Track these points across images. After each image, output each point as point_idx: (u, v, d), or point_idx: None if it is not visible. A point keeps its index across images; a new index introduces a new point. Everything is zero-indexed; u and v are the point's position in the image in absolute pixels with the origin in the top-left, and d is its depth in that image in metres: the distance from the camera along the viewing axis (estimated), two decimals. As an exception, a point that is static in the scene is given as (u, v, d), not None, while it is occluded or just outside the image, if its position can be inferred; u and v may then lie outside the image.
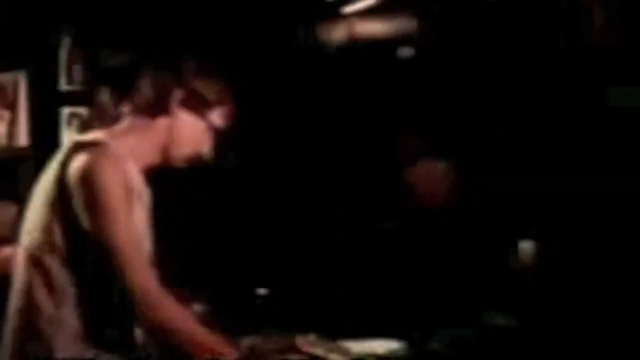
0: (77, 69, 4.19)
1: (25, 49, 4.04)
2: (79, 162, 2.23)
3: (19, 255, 2.38)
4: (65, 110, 4.19)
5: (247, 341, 2.74)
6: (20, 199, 3.94)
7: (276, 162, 3.91)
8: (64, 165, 2.26)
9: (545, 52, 3.19)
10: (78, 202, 2.21)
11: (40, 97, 4.13)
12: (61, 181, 2.25)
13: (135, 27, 3.91)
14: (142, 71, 2.41)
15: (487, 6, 3.40)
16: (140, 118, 2.38)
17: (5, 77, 4.07)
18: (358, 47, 3.88)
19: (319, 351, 2.73)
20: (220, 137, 2.45)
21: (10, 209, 3.96)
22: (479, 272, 3.30)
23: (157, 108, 2.36)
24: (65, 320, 2.26)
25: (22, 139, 4.08)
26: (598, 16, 3.08)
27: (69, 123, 4.18)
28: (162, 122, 2.37)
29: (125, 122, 2.41)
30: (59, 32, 4.11)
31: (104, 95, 4.10)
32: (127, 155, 2.32)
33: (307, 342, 2.79)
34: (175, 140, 2.38)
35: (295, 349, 2.74)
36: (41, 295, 2.26)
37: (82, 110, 4.20)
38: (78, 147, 2.28)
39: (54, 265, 2.26)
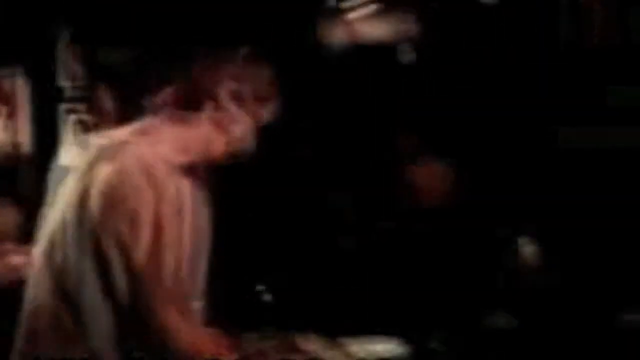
0: (76, 66, 4.18)
1: (23, 47, 4.03)
2: (104, 171, 2.08)
3: (33, 262, 2.31)
4: (64, 108, 4.18)
5: (247, 342, 2.74)
6: (19, 198, 3.95)
7: (276, 161, 3.91)
8: (89, 173, 2.12)
9: (545, 52, 3.18)
10: (103, 216, 2.07)
11: (38, 95, 4.12)
12: (86, 192, 2.10)
13: (134, 26, 3.90)
14: (180, 63, 2.25)
15: (487, 7, 3.40)
16: (180, 110, 2.20)
17: (4, 75, 4.05)
18: (358, 48, 3.88)
19: (319, 351, 2.74)
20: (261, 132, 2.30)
21: (9, 208, 3.95)
22: (479, 272, 3.31)
23: (204, 100, 2.17)
24: (79, 331, 2.16)
25: (22, 139, 4.07)
26: (598, 16, 3.08)
27: (67, 120, 4.17)
28: (208, 115, 2.19)
29: (161, 115, 2.23)
30: (57, 29, 4.09)
31: (104, 92, 4.09)
32: (161, 154, 2.14)
33: (307, 342, 2.79)
34: (221, 135, 2.21)
35: (295, 349, 2.74)
36: (55, 303, 2.17)
37: (81, 108, 4.18)
38: (103, 151, 2.13)
39: (71, 274, 2.13)
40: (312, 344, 2.75)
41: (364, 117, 3.81)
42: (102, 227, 2.08)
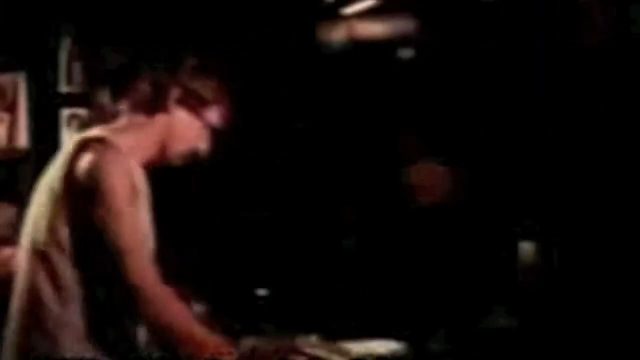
0: (77, 70, 4.19)
1: (24, 50, 4.04)
2: (86, 159, 2.24)
3: (21, 254, 2.37)
4: (65, 112, 4.19)
5: (247, 342, 2.74)
6: (20, 201, 3.95)
7: (276, 162, 3.91)
8: (71, 162, 2.27)
9: (545, 52, 3.18)
10: (85, 200, 2.22)
11: (40, 99, 4.12)
12: (68, 178, 2.26)
13: (134, 27, 3.91)
14: (140, 69, 2.45)
15: (486, 6, 3.40)
16: (138, 116, 2.41)
17: (5, 79, 4.06)
18: (358, 47, 3.88)
19: (319, 352, 2.74)
20: (218, 136, 2.48)
21: (10, 210, 3.95)
22: (479, 272, 3.30)
23: (155, 106, 2.39)
24: (71, 319, 2.26)
25: (22, 140, 4.07)
26: (598, 16, 3.08)
27: (69, 124, 4.18)
28: (160, 120, 2.40)
29: (123, 120, 2.45)
30: (58, 33, 4.10)
31: (104, 97, 4.09)
32: (128, 152, 2.33)
33: (308, 343, 2.79)
34: (173, 137, 2.40)
35: (295, 350, 2.74)
36: (47, 293, 2.27)
37: (82, 112, 4.19)
38: (84, 144, 2.29)
39: (60, 263, 2.26)
40: (312, 345, 2.75)
41: (363, 117, 3.81)
42: (84, 203, 2.22)
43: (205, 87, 2.42)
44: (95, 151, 2.25)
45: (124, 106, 2.46)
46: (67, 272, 2.26)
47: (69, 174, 2.26)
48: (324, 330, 2.87)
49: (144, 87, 2.40)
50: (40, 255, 2.29)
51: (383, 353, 2.79)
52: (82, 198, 2.23)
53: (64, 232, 2.25)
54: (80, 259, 2.26)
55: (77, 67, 4.18)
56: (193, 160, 2.48)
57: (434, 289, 3.32)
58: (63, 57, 4.14)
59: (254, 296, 3.50)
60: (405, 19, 3.75)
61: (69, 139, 3.99)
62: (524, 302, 3.11)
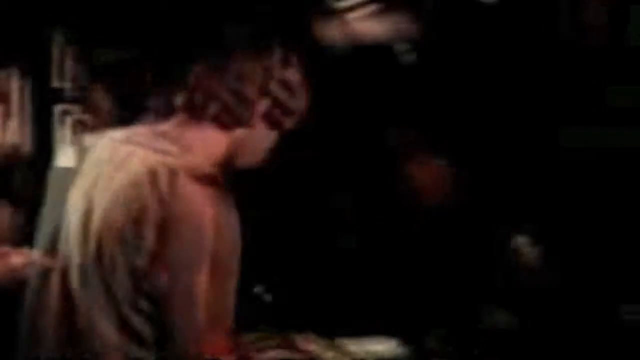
0: (70, 66, 4.17)
1: (18, 45, 4.01)
2: (192, 193, 1.95)
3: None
4: (58, 108, 4.17)
5: (246, 340, 2.74)
6: (13, 198, 3.94)
7: (275, 160, 3.90)
8: (150, 179, 1.97)
9: (545, 52, 3.19)
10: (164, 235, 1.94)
11: (33, 95, 4.10)
12: (158, 203, 1.96)
13: (128, 22, 3.89)
14: (210, 74, 2.08)
15: (486, 6, 3.41)
16: (209, 123, 2.08)
17: (0, 76, 4.04)
18: (357, 47, 3.88)
19: (317, 349, 2.74)
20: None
21: (4, 208, 3.94)
22: (478, 270, 3.31)
23: (237, 120, 2.07)
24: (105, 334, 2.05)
25: (15, 136, 4.06)
26: (598, 16, 3.09)
27: (62, 120, 4.16)
28: (237, 132, 2.09)
29: (187, 128, 2.09)
30: (52, 29, 4.08)
31: (98, 93, 4.08)
32: (190, 164, 2.02)
33: (306, 341, 2.79)
34: (245, 150, 2.14)
35: (294, 349, 2.74)
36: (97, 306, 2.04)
37: (76, 108, 4.17)
38: (194, 175, 1.99)
39: (114, 281, 2.02)
40: (311, 344, 2.76)
41: (362, 117, 3.81)
42: (108, 230, 2.00)
43: (293, 97, 2.12)
44: (211, 195, 1.97)
45: (183, 102, 2.08)
46: (81, 286, 2.04)
47: (175, 202, 1.95)
48: (322, 328, 2.87)
49: (223, 93, 2.04)
50: (97, 264, 2.04)
51: (381, 351, 2.80)
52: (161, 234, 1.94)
53: (134, 258, 1.98)
54: (97, 275, 2.03)
55: (70, 63, 4.16)
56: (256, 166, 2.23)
57: (432, 288, 3.32)
58: (56, 53, 4.12)
59: (251, 294, 3.50)
60: (405, 19, 3.75)
61: (67, 140, 3.99)
62: (523, 301, 3.12)
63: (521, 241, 3.21)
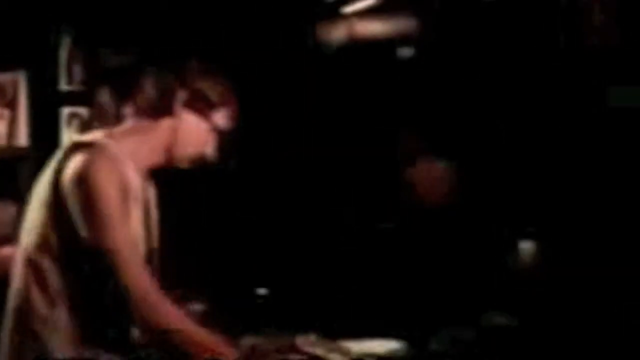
0: (77, 69, 4.19)
1: (25, 48, 4.04)
2: (74, 163, 2.22)
3: (18, 254, 2.37)
4: (65, 110, 4.18)
5: (247, 341, 2.74)
6: (20, 199, 3.95)
7: (275, 161, 3.91)
8: (60, 166, 2.25)
9: (545, 52, 3.19)
10: (73, 205, 2.20)
11: (40, 97, 4.12)
12: (56, 182, 2.24)
13: (137, 27, 3.91)
14: (144, 72, 2.40)
15: (487, 6, 3.41)
16: (142, 119, 2.36)
17: (5, 77, 4.06)
18: (358, 46, 3.88)
19: (318, 351, 2.74)
20: (224, 138, 2.44)
21: (10, 209, 3.95)
22: (479, 271, 3.30)
23: (160, 109, 2.34)
24: (59, 321, 2.25)
25: (22, 139, 4.07)
26: (598, 16, 3.08)
27: (69, 123, 4.17)
28: (165, 123, 2.35)
29: (127, 123, 2.40)
30: (59, 31, 4.10)
31: (104, 96, 4.09)
32: (127, 156, 2.30)
33: (307, 342, 2.79)
34: (179, 141, 2.36)
35: (295, 349, 2.74)
36: (35, 295, 2.25)
37: (82, 111, 4.19)
38: (75, 147, 2.26)
39: (49, 266, 2.25)
40: (312, 344, 2.75)
41: (363, 117, 3.81)
42: (72, 209, 2.20)
43: (212, 89, 2.37)
44: (84, 154, 2.22)
45: (128, 109, 2.41)
46: (56, 278, 2.24)
47: (57, 179, 2.24)
48: (324, 329, 2.87)
49: (149, 90, 2.35)
50: (30, 258, 2.27)
51: (382, 352, 2.79)
52: (70, 203, 2.20)
53: (53, 236, 2.24)
54: (70, 265, 2.24)
55: (77, 65, 4.18)
56: (200, 164, 2.44)
57: (434, 288, 3.32)
58: (63, 55, 4.14)
59: (253, 295, 3.50)
60: (405, 18, 3.75)
61: (68, 138, 4.01)
62: (523, 301, 3.11)
63: (522, 242, 3.21)
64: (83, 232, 2.20)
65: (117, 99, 4.04)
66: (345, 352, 2.76)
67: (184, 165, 2.42)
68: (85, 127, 4.13)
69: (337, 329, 2.86)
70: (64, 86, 4.17)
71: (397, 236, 3.58)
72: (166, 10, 3.83)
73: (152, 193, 2.47)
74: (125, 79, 4.01)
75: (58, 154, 2.31)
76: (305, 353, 2.73)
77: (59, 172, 2.24)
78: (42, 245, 2.26)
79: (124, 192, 2.25)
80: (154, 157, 2.37)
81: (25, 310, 2.27)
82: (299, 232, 3.81)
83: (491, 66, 3.39)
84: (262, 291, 3.48)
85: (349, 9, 3.88)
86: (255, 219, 3.86)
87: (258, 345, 2.73)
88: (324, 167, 3.84)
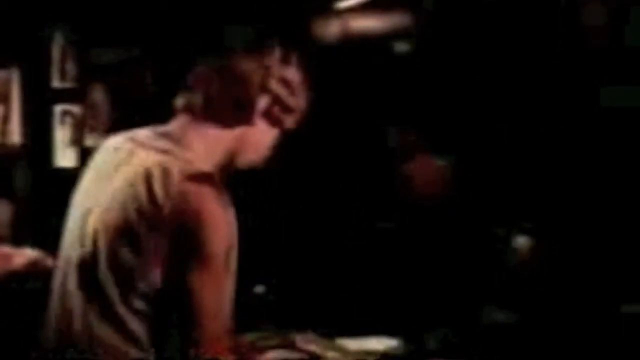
0: (70, 67, 4.18)
1: (18, 46, 4.03)
2: (193, 196, 1.91)
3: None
4: (58, 108, 4.18)
5: (245, 339, 2.75)
6: (14, 197, 3.95)
7: (272, 159, 3.91)
8: (170, 190, 1.93)
9: (545, 52, 3.19)
10: (180, 240, 1.91)
11: (33, 95, 4.11)
12: (152, 204, 1.93)
13: (125, 23, 3.89)
14: (210, 74, 2.07)
15: (485, 3, 3.41)
16: (211, 121, 2.05)
17: (-1, 75, 4.06)
18: (353, 42, 3.88)
19: (317, 349, 2.74)
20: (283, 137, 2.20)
21: (4, 207, 3.95)
22: (477, 268, 3.31)
23: (238, 117, 2.05)
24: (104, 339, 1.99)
25: (15, 136, 4.07)
26: (597, 16, 3.09)
27: (62, 121, 4.17)
28: (237, 131, 2.06)
29: (181, 120, 2.08)
30: (51, 29, 4.09)
31: (98, 93, 4.09)
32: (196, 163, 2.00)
33: (306, 340, 2.80)
34: (246, 147, 2.10)
35: (293, 347, 2.75)
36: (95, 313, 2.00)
37: (75, 108, 4.18)
38: (191, 176, 1.95)
39: (109, 280, 1.98)
40: (311, 343, 2.76)
41: (359, 113, 3.81)
42: (105, 230, 1.98)
43: (293, 95, 2.09)
44: (206, 193, 1.93)
45: (180, 102, 2.08)
46: (119, 302, 1.97)
47: (161, 207, 1.92)
48: (322, 326, 2.88)
49: (223, 92, 2.04)
50: (89, 269, 2.01)
51: (380, 350, 2.80)
52: (178, 236, 1.92)
53: (132, 264, 1.94)
54: (135, 283, 1.97)
55: (70, 63, 4.17)
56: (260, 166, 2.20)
57: (431, 286, 3.33)
58: (56, 53, 4.13)
59: (251, 293, 3.50)
60: (401, 13, 3.75)
61: (61, 135, 4.00)
62: (521, 297, 3.12)
63: (520, 239, 3.21)
64: (175, 275, 1.92)
65: (111, 97, 4.03)
66: (343, 350, 2.77)
67: (244, 168, 2.17)
68: (78, 124, 4.12)
69: (335, 327, 2.86)
70: (56, 84, 4.16)
71: (394, 233, 3.58)
72: (165, 9, 3.81)
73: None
74: (121, 75, 4.02)
75: (174, 175, 1.95)
76: (304, 350, 2.74)
77: (173, 196, 1.92)
78: (111, 260, 1.98)
79: (232, 244, 2.01)
80: (216, 162, 2.07)
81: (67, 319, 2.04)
82: (297, 230, 3.80)
83: (488, 62, 3.39)
84: (259, 288, 3.48)
85: (343, 4, 3.88)
86: (253, 217, 3.85)
87: (257, 345, 2.73)
88: (320, 163, 3.84)
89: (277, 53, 2.07)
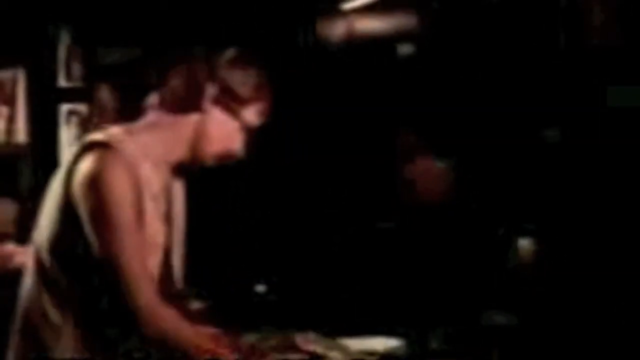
0: (76, 66, 4.19)
1: (23, 45, 4.04)
2: (86, 163, 2.12)
3: (29, 254, 2.34)
4: (64, 107, 4.19)
5: (246, 339, 2.74)
6: (19, 196, 3.96)
7: (274, 159, 3.91)
8: (73, 166, 2.15)
9: (545, 52, 3.19)
10: (82, 210, 2.11)
11: (39, 94, 4.12)
12: (68, 184, 2.15)
13: (137, 22, 3.90)
14: (170, 64, 2.26)
15: (487, 4, 3.41)
16: (167, 112, 2.23)
17: (4, 74, 4.06)
18: (357, 44, 3.88)
19: (318, 349, 2.74)
20: (253, 134, 2.30)
21: (9, 206, 3.96)
22: (478, 270, 3.31)
23: (187, 104, 2.21)
24: (65, 325, 2.19)
25: (21, 136, 4.08)
26: (598, 16, 3.08)
27: (68, 120, 4.18)
28: (191, 118, 2.22)
29: (150, 116, 2.26)
30: (57, 28, 4.10)
31: (104, 92, 4.10)
32: (147, 152, 2.20)
33: (307, 340, 2.79)
34: (205, 138, 2.23)
35: (294, 347, 2.74)
36: (44, 298, 2.19)
37: (81, 107, 4.19)
38: (90, 146, 2.15)
39: (58, 272, 2.17)
40: (312, 343, 2.76)
41: (362, 114, 3.81)
42: (82, 214, 2.12)
43: (243, 84, 2.23)
44: (96, 157, 2.12)
45: (151, 101, 2.25)
46: (64, 282, 2.17)
47: (69, 180, 2.14)
48: (323, 326, 2.88)
49: (176, 83, 2.21)
50: (40, 263, 2.20)
51: (382, 350, 2.80)
52: (79, 208, 2.12)
53: (62, 243, 2.16)
54: (78, 271, 2.17)
55: (76, 62, 4.18)
56: (228, 161, 2.30)
57: (433, 286, 3.33)
58: (62, 52, 4.14)
59: (252, 293, 3.51)
60: (405, 15, 3.75)
61: (67, 135, 4.01)
62: (522, 299, 3.12)
63: (521, 240, 3.21)
64: (91, 237, 2.11)
65: (117, 96, 4.04)
66: (344, 350, 2.76)
67: (211, 162, 2.29)
68: (84, 124, 4.13)
69: (336, 327, 2.86)
70: (62, 83, 4.17)
71: (396, 234, 3.58)
72: (165, 5, 3.82)
73: (177, 188, 2.36)
74: (127, 75, 4.02)
75: (73, 151, 2.20)
76: (305, 351, 2.73)
77: (71, 172, 2.15)
78: (52, 247, 2.18)
79: (138, 195, 2.15)
80: (178, 152, 2.24)
81: (33, 312, 2.22)
82: (298, 230, 3.81)
83: (491, 64, 3.39)
84: (261, 288, 3.48)
85: (348, 6, 3.88)
86: (255, 217, 3.86)
87: (257, 343, 2.73)
88: (323, 165, 3.85)
89: (229, 55, 2.23)
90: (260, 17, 3.88)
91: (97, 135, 2.19)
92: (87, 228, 2.12)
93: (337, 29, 3.95)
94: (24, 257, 2.54)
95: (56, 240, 2.18)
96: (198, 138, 2.23)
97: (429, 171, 3.58)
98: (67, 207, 2.14)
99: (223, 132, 2.25)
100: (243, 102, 2.24)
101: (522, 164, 3.29)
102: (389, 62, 3.81)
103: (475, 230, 3.37)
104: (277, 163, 3.91)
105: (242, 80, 2.23)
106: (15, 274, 2.45)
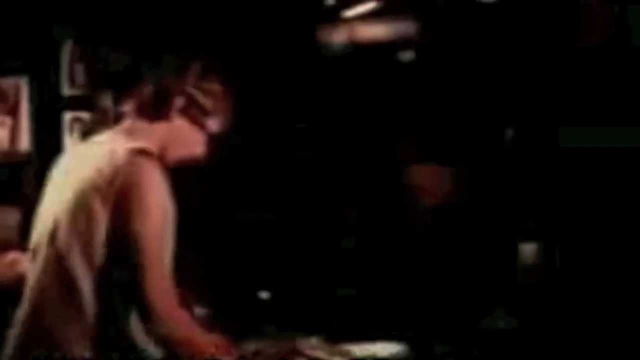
0: (79, 73, 4.19)
1: (26, 53, 4.04)
2: (130, 170, 2.25)
3: (32, 254, 2.37)
4: (68, 115, 4.19)
5: (249, 344, 2.75)
6: (23, 204, 3.96)
7: (277, 163, 3.92)
8: (114, 170, 2.25)
9: (546, 52, 3.19)
10: (123, 211, 2.23)
11: (42, 102, 4.12)
12: (108, 186, 2.24)
13: (138, 30, 3.91)
14: (144, 72, 2.46)
15: (487, 8, 3.41)
16: (140, 120, 2.41)
17: (7, 82, 4.06)
18: (359, 50, 3.88)
19: (320, 354, 2.74)
20: (216, 139, 2.48)
21: (13, 214, 3.96)
22: (480, 274, 3.31)
23: (156, 113, 2.40)
24: (77, 321, 2.25)
25: (25, 143, 4.08)
26: (598, 16, 3.08)
27: (71, 128, 4.18)
28: (160, 126, 2.40)
29: (126, 122, 2.44)
30: (60, 35, 4.10)
31: (107, 100, 4.10)
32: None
33: (309, 346, 2.80)
34: (171, 145, 2.42)
35: (297, 352, 2.75)
36: (57, 294, 2.26)
37: (85, 115, 4.19)
38: (131, 152, 2.28)
39: (78, 266, 2.25)
40: (313, 348, 2.76)
41: (364, 118, 3.81)
42: (117, 220, 2.23)
43: (207, 96, 2.42)
44: (141, 163, 2.26)
45: (127, 107, 2.45)
46: (84, 276, 2.25)
47: (111, 182, 2.24)
48: (325, 332, 2.88)
49: (148, 92, 2.40)
50: (56, 254, 2.28)
51: (385, 355, 2.80)
52: (121, 209, 2.23)
53: (91, 237, 2.25)
54: (102, 267, 2.25)
55: (79, 70, 4.18)
56: (191, 164, 2.49)
57: (435, 291, 3.32)
58: (65, 60, 4.14)
59: (255, 298, 3.51)
60: (406, 21, 3.76)
61: (71, 142, 4.02)
62: (524, 302, 3.11)
63: (522, 243, 3.21)
64: (131, 236, 2.21)
65: (118, 101, 4.04)
66: (347, 355, 2.76)
67: (173, 165, 2.44)
68: (87, 131, 4.13)
69: (338, 332, 2.86)
70: (66, 91, 4.17)
71: (399, 238, 3.58)
72: (167, 11, 3.83)
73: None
74: (127, 80, 4.02)
75: (101, 154, 2.30)
76: (307, 356, 2.74)
77: (112, 176, 2.25)
78: (75, 243, 2.26)
79: (169, 206, 2.30)
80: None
81: (42, 310, 2.28)
82: (301, 235, 3.81)
83: (492, 69, 3.39)
84: (264, 294, 3.48)
85: (350, 12, 3.88)
86: (257, 222, 3.86)
87: (259, 348, 2.73)
88: (325, 168, 3.85)
89: (197, 67, 2.43)
90: (262, 24, 3.89)
91: (135, 144, 2.32)
92: (125, 227, 2.22)
93: (338, 36, 3.95)
94: (27, 264, 2.54)
95: (81, 236, 2.25)
96: (165, 145, 2.41)
97: (431, 175, 3.58)
98: (106, 208, 2.24)
99: (188, 140, 2.44)
100: (206, 113, 2.43)
101: (523, 165, 3.30)
102: (390, 68, 3.81)
103: (477, 233, 3.36)
104: (280, 166, 3.91)
105: (206, 93, 2.42)
106: (18, 282, 2.47)
